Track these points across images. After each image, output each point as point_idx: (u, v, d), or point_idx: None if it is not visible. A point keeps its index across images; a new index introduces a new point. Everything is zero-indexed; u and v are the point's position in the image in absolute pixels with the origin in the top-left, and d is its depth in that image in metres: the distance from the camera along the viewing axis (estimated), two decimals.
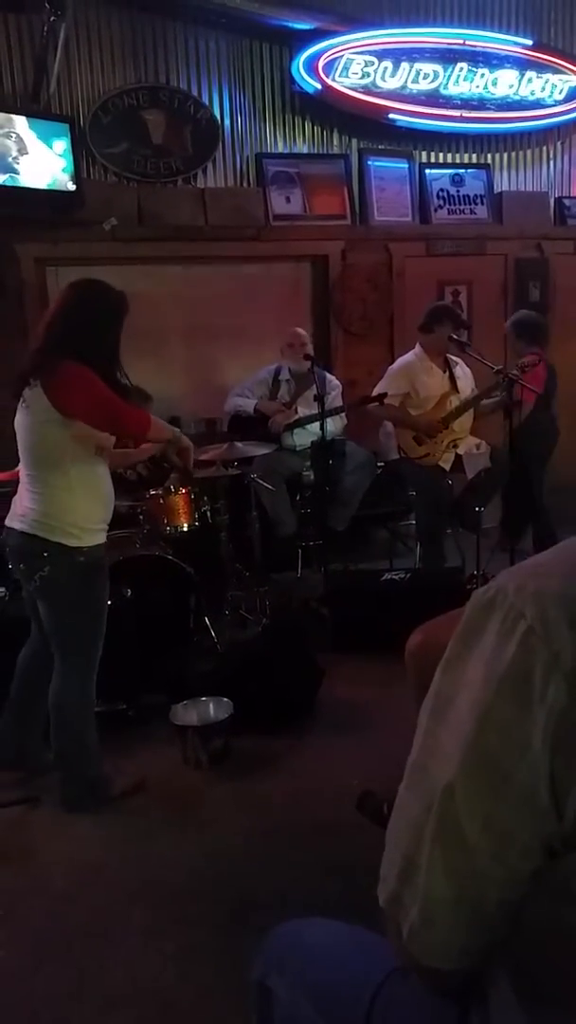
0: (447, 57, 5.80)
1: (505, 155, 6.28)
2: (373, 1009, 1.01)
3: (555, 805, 0.72)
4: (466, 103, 5.92)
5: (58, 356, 2.57)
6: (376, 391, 4.78)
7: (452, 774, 0.76)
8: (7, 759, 3.00)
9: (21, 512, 2.69)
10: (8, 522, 2.74)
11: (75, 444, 2.64)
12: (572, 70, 6.08)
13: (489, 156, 6.23)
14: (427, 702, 0.82)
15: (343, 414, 4.99)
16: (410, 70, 5.71)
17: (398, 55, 5.69)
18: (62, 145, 4.85)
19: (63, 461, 2.64)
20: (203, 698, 3.23)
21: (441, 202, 6.01)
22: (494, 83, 5.93)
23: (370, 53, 5.62)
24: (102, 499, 2.79)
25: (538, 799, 0.72)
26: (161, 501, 3.87)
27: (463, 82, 5.86)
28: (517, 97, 6.02)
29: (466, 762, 0.75)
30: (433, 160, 6.11)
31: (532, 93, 6.04)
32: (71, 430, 2.60)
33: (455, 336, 4.67)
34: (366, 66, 5.61)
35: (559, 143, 6.39)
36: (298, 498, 4.92)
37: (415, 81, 5.75)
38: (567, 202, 6.32)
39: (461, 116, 5.92)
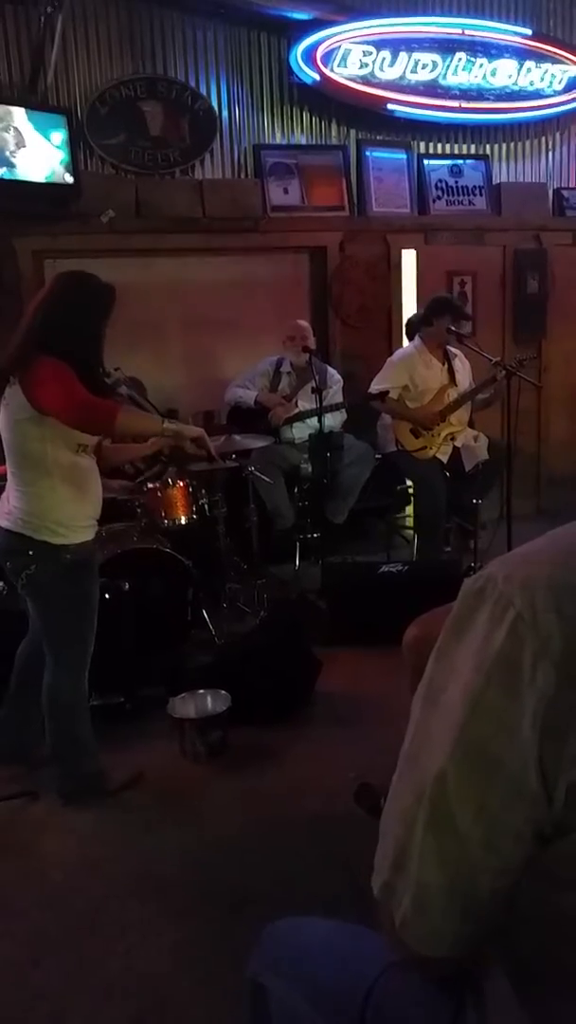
0: (446, 47, 5.76)
1: (504, 146, 6.25)
2: (368, 1005, 1.01)
3: (545, 790, 0.72)
4: (465, 93, 5.88)
5: (35, 352, 2.55)
6: (375, 383, 4.78)
7: (443, 761, 0.76)
8: (5, 753, 3.01)
9: (7, 510, 2.68)
10: None
11: (55, 441, 2.61)
12: (571, 60, 6.05)
13: (488, 147, 6.20)
14: (419, 691, 0.83)
15: (344, 408, 4.99)
16: (408, 60, 5.68)
17: (397, 45, 5.65)
18: (59, 137, 4.83)
19: (44, 459, 2.61)
20: (201, 691, 3.24)
21: (440, 193, 5.99)
22: (493, 73, 5.89)
23: (368, 43, 5.58)
24: (88, 496, 2.76)
25: (528, 785, 0.72)
26: (159, 494, 3.86)
27: (462, 72, 5.82)
28: (516, 87, 5.99)
29: (457, 749, 0.75)
30: (432, 151, 6.08)
31: (531, 83, 6.00)
32: (47, 427, 2.57)
33: (453, 328, 4.66)
34: (364, 56, 5.58)
35: (558, 134, 6.36)
36: (296, 491, 4.91)
37: (414, 71, 5.72)
38: (566, 193, 6.29)
39: (460, 107, 5.88)
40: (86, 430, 2.64)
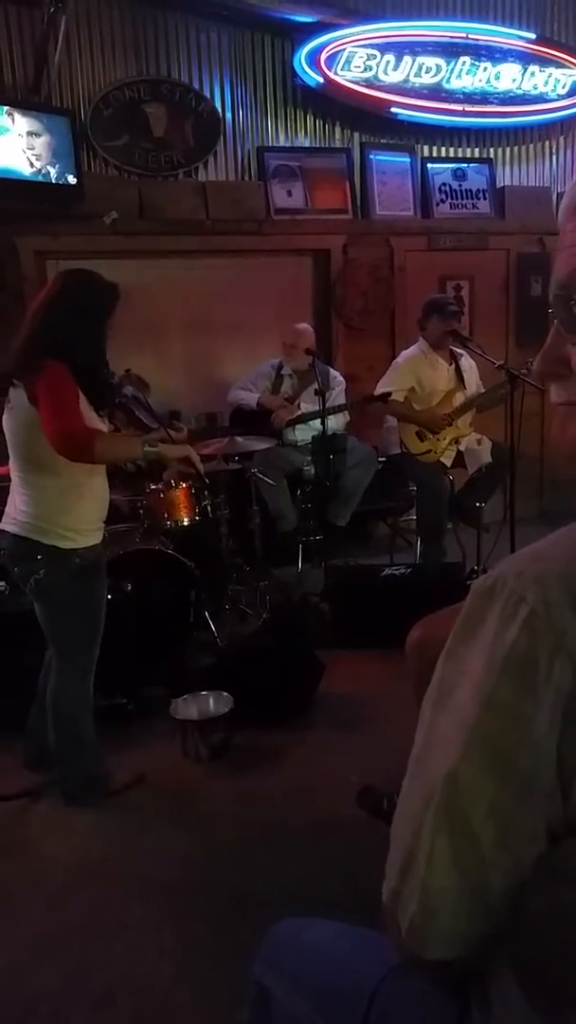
0: (450, 51, 5.77)
1: (507, 149, 6.25)
2: (372, 1007, 1.00)
3: (561, 787, 0.72)
4: (468, 97, 5.89)
5: (40, 355, 2.51)
6: (380, 385, 4.76)
7: (455, 761, 0.75)
8: (36, 760, 2.95)
9: (14, 514, 2.65)
10: (2, 524, 2.69)
11: None
12: (575, 64, 6.05)
13: (491, 150, 6.20)
14: (429, 694, 0.82)
15: (347, 410, 4.98)
16: (412, 64, 5.69)
17: (400, 48, 5.66)
18: (63, 138, 4.82)
19: (51, 462, 2.55)
20: (203, 692, 3.24)
21: (443, 196, 5.99)
22: (497, 77, 5.89)
23: (372, 46, 5.59)
24: (95, 500, 2.73)
25: (544, 782, 0.72)
26: (162, 495, 3.85)
27: (465, 76, 5.83)
28: (520, 91, 5.99)
29: (469, 748, 0.75)
30: (435, 154, 6.08)
31: (535, 87, 6.01)
32: None
33: (457, 330, 4.65)
34: (368, 59, 5.58)
35: (562, 137, 6.36)
36: (299, 493, 4.91)
37: (417, 75, 5.72)
38: None
39: (463, 110, 5.89)
40: (68, 457, 2.52)
